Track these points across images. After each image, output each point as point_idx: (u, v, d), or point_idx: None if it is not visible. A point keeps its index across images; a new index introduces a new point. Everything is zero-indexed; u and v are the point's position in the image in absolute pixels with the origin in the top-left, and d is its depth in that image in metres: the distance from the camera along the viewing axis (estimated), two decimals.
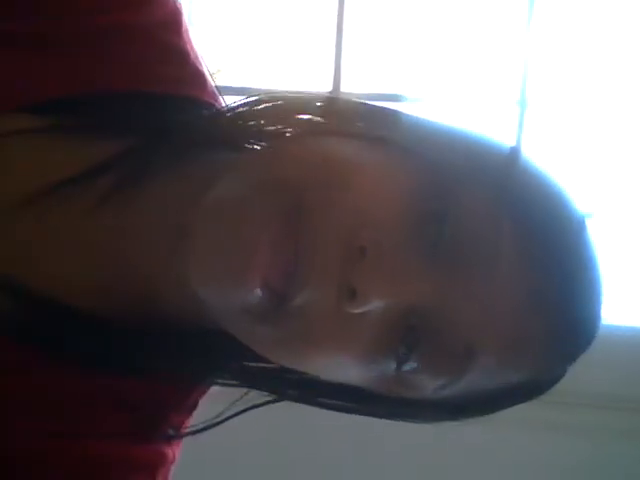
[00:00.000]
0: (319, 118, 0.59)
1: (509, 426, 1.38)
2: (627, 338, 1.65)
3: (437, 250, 0.51)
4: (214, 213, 0.51)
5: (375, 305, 0.50)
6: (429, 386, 0.53)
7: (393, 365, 0.52)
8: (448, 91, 1.77)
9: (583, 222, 0.56)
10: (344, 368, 0.53)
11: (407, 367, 0.52)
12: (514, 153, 0.56)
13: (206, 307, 0.53)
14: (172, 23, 0.65)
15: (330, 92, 1.68)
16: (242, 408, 0.60)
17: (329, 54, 1.72)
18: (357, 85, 1.73)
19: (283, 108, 0.60)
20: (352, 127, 0.57)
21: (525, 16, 1.70)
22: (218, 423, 0.60)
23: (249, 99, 0.61)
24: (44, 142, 0.60)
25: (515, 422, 1.32)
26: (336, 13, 1.72)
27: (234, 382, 0.60)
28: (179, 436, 0.61)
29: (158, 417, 0.60)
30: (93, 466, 0.58)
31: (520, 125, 1.67)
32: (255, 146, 0.60)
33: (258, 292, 0.49)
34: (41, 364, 0.57)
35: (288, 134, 0.59)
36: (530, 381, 0.56)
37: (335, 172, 0.51)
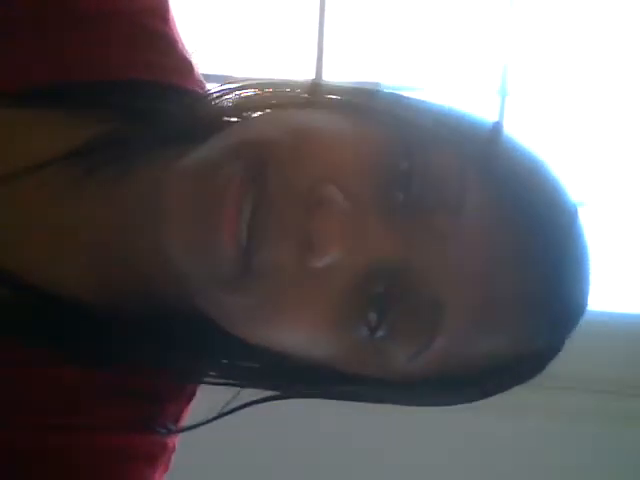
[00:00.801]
0: (292, 95, 0.59)
1: (506, 412, 1.39)
2: (619, 324, 1.67)
3: (403, 207, 0.51)
4: (181, 175, 0.51)
5: (334, 255, 0.49)
6: (402, 352, 0.52)
7: (365, 332, 0.51)
8: (429, 80, 1.78)
9: (563, 185, 0.55)
10: (314, 336, 0.52)
11: (379, 333, 0.51)
12: (495, 125, 0.55)
13: (186, 284, 0.53)
14: (159, 10, 0.65)
15: (312, 80, 1.68)
16: (241, 404, 0.59)
17: (311, 42, 1.72)
18: (339, 74, 1.73)
19: (260, 93, 0.60)
20: (323, 100, 0.57)
21: (506, 4, 1.70)
22: (217, 417, 0.60)
23: (231, 86, 0.61)
24: (26, 123, 0.60)
25: (513, 407, 1.33)
26: (318, 1, 1.72)
27: (224, 380, 0.59)
28: (178, 430, 0.61)
29: (155, 408, 0.60)
30: (94, 457, 0.57)
31: (501, 114, 1.68)
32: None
33: (228, 253, 0.49)
34: (40, 356, 0.56)
35: (259, 109, 0.59)
36: (515, 357, 0.54)
37: (298, 132, 0.51)
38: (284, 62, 1.76)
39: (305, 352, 0.54)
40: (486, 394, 0.56)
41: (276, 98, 0.59)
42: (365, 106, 0.55)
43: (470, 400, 0.57)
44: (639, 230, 1.76)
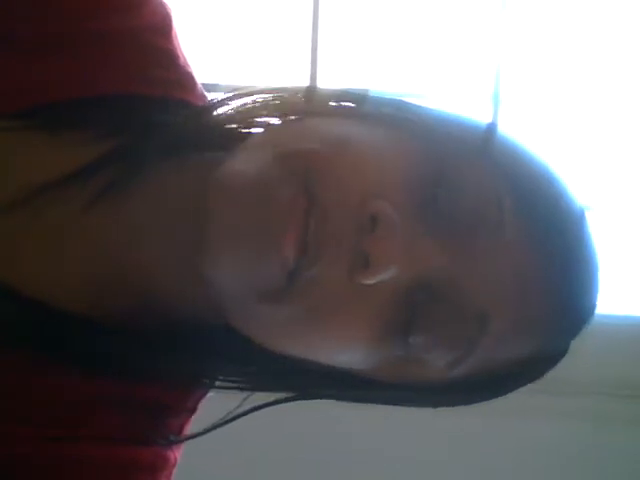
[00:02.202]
0: (311, 103, 0.60)
1: (509, 415, 1.39)
2: (619, 326, 1.67)
3: (445, 219, 0.52)
4: (230, 191, 0.52)
5: (389, 273, 0.50)
6: (441, 362, 0.54)
7: (405, 341, 0.52)
8: (423, 86, 1.78)
9: (574, 196, 0.57)
10: (355, 344, 0.53)
11: (419, 341, 0.52)
12: (491, 127, 0.57)
13: (215, 297, 0.53)
14: (162, 27, 0.65)
15: (307, 86, 1.69)
16: (243, 410, 0.60)
17: (305, 49, 1.72)
18: (333, 80, 1.73)
19: (274, 100, 0.60)
20: (345, 109, 0.58)
21: (499, 9, 1.71)
22: (218, 426, 0.60)
23: (240, 93, 0.61)
24: (31, 143, 0.60)
25: (514, 410, 1.33)
26: (311, 8, 1.72)
27: (235, 385, 0.60)
28: (179, 440, 0.61)
29: (157, 420, 0.60)
30: (95, 469, 0.57)
31: (494, 120, 1.68)
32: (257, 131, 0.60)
33: (287, 266, 0.49)
34: (40, 367, 0.56)
35: (287, 118, 0.60)
36: (536, 356, 0.57)
37: (339, 143, 0.52)
38: (277, 69, 1.77)
39: (341, 364, 0.55)
40: (504, 392, 0.59)
41: (294, 105, 0.59)
42: (393, 117, 0.56)
43: (488, 399, 0.59)
44: (633, 231, 1.77)
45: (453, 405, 0.59)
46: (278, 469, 1.65)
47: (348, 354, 0.54)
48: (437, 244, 0.52)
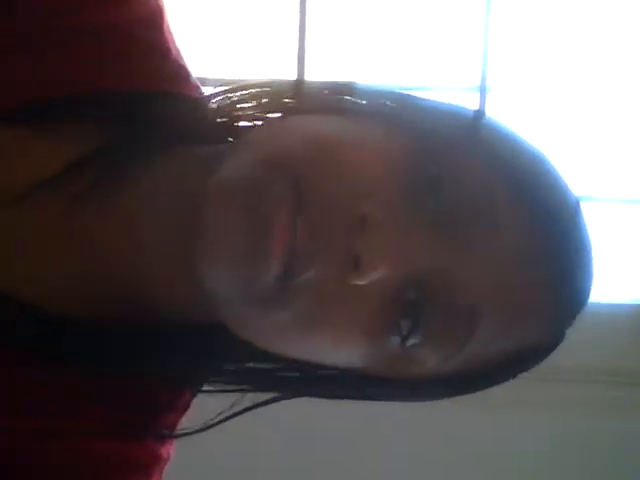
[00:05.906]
0: (298, 99, 0.59)
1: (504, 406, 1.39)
2: (607, 314, 1.68)
3: (435, 215, 0.51)
4: (221, 196, 0.51)
5: (380, 274, 0.50)
6: (433, 358, 0.53)
7: (398, 340, 0.52)
8: (410, 77, 1.78)
9: (567, 184, 0.57)
10: (350, 346, 0.53)
11: (412, 341, 0.52)
12: (480, 116, 0.57)
13: (209, 298, 0.52)
14: (154, 20, 0.65)
15: (295, 79, 1.68)
16: (238, 409, 0.59)
17: (292, 41, 1.72)
18: (321, 72, 1.73)
19: (262, 94, 0.60)
20: (331, 104, 0.57)
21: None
22: (213, 425, 0.59)
23: (226, 88, 0.61)
24: (25, 140, 0.60)
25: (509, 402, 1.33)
26: (298, 1, 1.72)
27: (226, 384, 0.59)
28: (172, 436, 0.61)
29: (150, 416, 0.59)
30: (86, 464, 0.57)
31: (482, 109, 1.68)
32: (246, 131, 0.60)
33: (273, 272, 0.49)
34: (35, 363, 0.56)
35: (275, 116, 0.59)
36: (531, 346, 0.56)
37: (330, 145, 0.52)
38: (265, 62, 1.76)
39: (335, 362, 0.55)
40: (500, 381, 0.58)
41: (283, 101, 0.59)
42: (382, 110, 0.56)
43: (476, 391, 0.58)
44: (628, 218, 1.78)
45: (447, 397, 0.58)
46: (272, 465, 1.66)
47: (344, 355, 0.54)
48: (428, 239, 0.51)
